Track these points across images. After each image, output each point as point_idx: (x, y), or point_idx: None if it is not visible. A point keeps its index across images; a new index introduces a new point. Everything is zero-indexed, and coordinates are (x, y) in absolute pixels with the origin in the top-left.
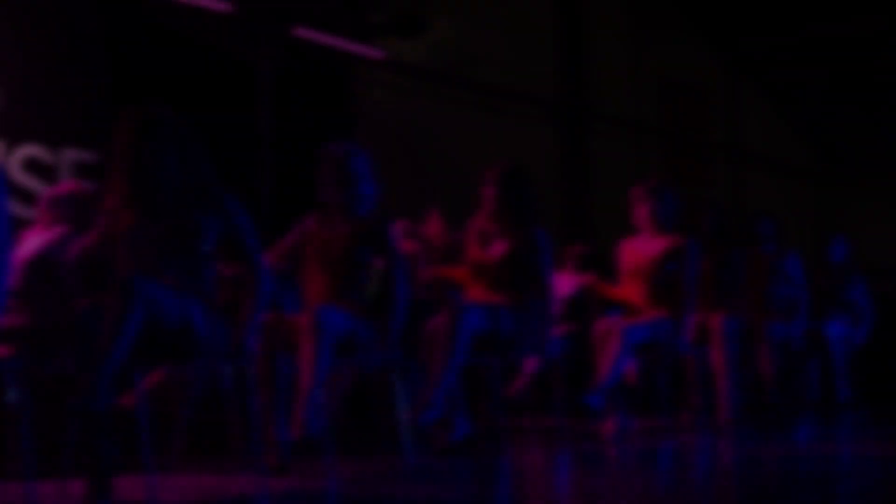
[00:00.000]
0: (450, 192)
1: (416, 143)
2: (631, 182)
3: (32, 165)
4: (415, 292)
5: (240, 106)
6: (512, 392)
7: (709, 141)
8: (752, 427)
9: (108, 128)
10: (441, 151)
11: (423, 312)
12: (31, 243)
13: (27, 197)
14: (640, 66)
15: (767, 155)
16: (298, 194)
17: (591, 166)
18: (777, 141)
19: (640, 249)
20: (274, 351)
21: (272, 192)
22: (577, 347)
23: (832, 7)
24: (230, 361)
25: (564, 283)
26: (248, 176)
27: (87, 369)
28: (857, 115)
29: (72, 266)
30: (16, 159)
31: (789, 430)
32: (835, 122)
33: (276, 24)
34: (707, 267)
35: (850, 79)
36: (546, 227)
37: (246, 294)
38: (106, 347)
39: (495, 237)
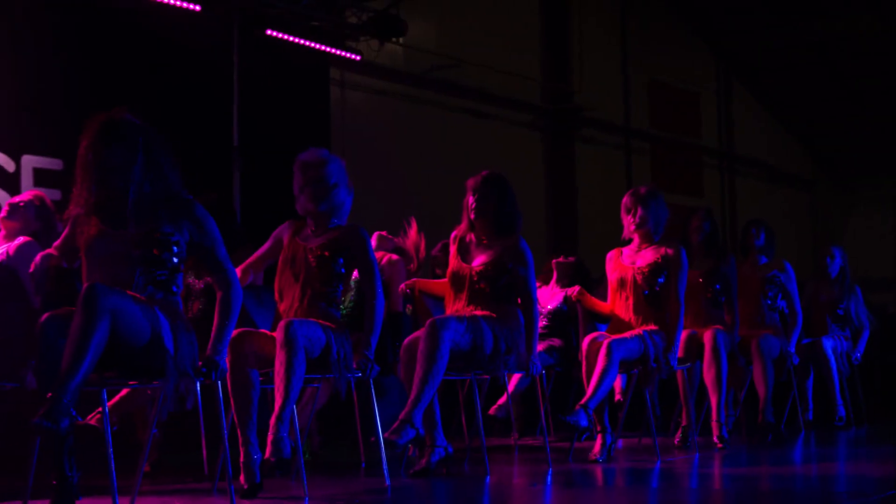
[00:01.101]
0: (429, 201)
1: (395, 150)
2: (619, 190)
3: None
4: (392, 306)
5: (211, 110)
6: (494, 410)
7: (700, 146)
8: (745, 446)
9: (73, 135)
10: (420, 158)
11: (401, 327)
12: None
13: None
14: (630, 68)
15: (761, 161)
16: (271, 203)
17: (578, 173)
18: (771, 146)
19: (629, 261)
20: (244, 367)
21: (244, 201)
22: (562, 363)
23: (826, 8)
24: (199, 378)
25: (549, 296)
26: (219, 183)
27: (50, 386)
28: (854, 118)
29: (33, 278)
30: None
31: (784, 449)
32: (831, 125)
33: (249, 25)
34: (698, 279)
35: (846, 80)
36: (530, 238)
37: (216, 308)
38: (69, 362)
39: (476, 248)
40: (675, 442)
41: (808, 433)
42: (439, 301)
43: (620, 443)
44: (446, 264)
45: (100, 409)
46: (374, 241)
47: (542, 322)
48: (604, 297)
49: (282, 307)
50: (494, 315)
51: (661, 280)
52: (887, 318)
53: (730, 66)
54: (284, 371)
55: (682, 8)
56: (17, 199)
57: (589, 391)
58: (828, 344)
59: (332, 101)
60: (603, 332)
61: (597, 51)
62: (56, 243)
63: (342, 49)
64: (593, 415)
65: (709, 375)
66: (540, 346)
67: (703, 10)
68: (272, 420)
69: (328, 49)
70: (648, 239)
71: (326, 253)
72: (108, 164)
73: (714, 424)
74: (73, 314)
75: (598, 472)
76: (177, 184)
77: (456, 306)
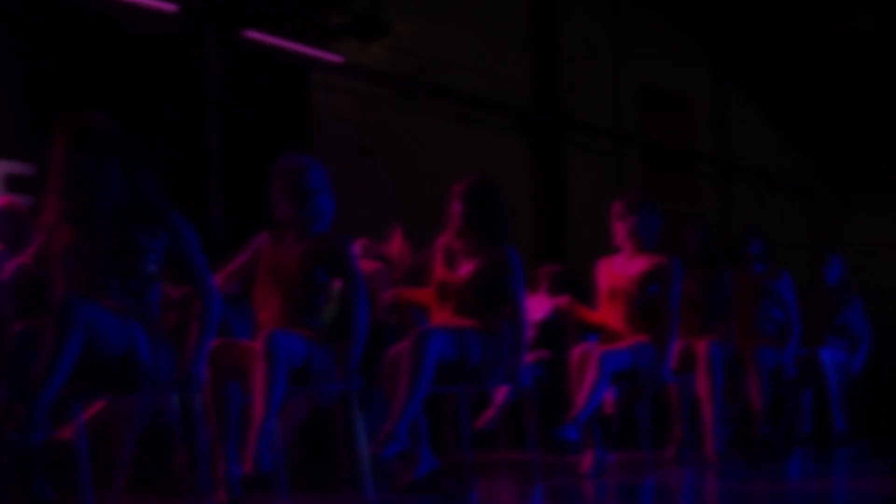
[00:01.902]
0: (414, 208)
1: (378, 155)
2: (610, 197)
3: None
4: (376, 316)
5: (186, 115)
6: (481, 423)
7: (694, 152)
8: (740, 461)
9: (45, 139)
10: (405, 164)
11: (385, 337)
12: None
13: None
14: (620, 71)
15: (757, 167)
16: (250, 210)
17: (567, 180)
18: (767, 152)
19: (620, 270)
20: (224, 379)
21: (222, 208)
22: (552, 375)
23: (824, 9)
24: (176, 391)
25: (538, 306)
26: (196, 190)
27: (22, 399)
28: (852, 123)
29: (5, 287)
30: None
31: (780, 465)
32: (829, 130)
33: (226, 25)
34: (692, 288)
35: (844, 84)
36: (518, 246)
37: (193, 318)
38: (42, 375)
39: (463, 256)
40: (668, 456)
41: (805, 447)
42: (425, 311)
43: (611, 457)
44: (432, 273)
45: (73, 422)
46: (357, 249)
47: (531, 333)
48: (594, 307)
49: (262, 317)
50: (481, 325)
51: (653, 290)
52: (889, 329)
53: (724, 69)
54: (265, 384)
55: (675, 9)
56: None
57: (579, 404)
58: (826, 356)
59: (313, 104)
60: (593, 343)
61: (587, 53)
62: (29, 251)
63: (324, 51)
64: (583, 429)
65: (703, 388)
66: (528, 358)
67: (696, 11)
68: (252, 434)
69: (309, 51)
70: (640, 247)
71: (308, 262)
72: (82, 170)
73: (708, 438)
74: (47, 325)
75: (589, 487)
76: (153, 190)
77: (442, 316)
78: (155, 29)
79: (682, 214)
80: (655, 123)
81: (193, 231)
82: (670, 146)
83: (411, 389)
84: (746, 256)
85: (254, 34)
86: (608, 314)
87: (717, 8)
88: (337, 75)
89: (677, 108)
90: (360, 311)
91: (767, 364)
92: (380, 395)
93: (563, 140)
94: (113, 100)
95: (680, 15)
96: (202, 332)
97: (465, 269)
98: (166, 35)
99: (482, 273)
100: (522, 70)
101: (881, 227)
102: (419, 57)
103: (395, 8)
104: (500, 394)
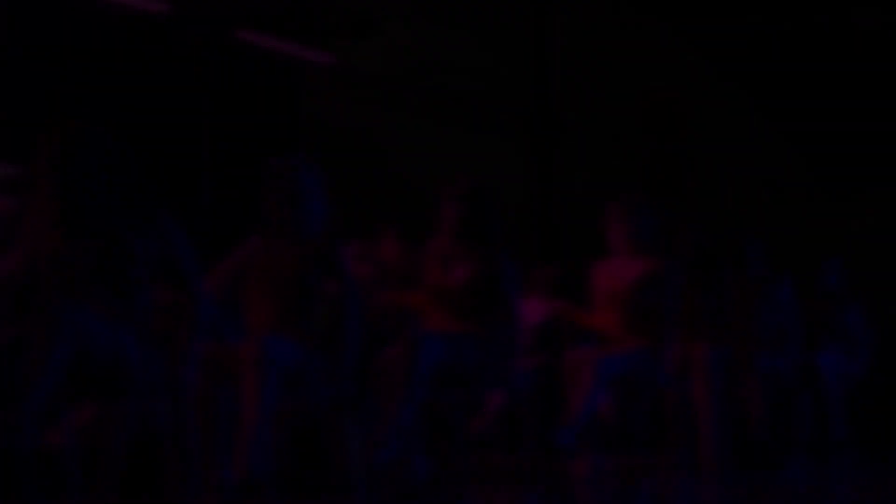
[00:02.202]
0: (407, 211)
1: (370, 157)
2: (605, 199)
3: None
4: (369, 320)
5: (177, 116)
6: (475, 429)
7: (691, 153)
8: (737, 467)
9: (33, 140)
10: (397, 166)
11: (378, 342)
12: None
13: None
14: (616, 71)
15: (755, 168)
16: (241, 213)
17: (562, 181)
18: (766, 152)
19: (616, 273)
20: (214, 385)
21: (212, 211)
22: (547, 380)
23: (822, 8)
24: (166, 396)
25: (533, 310)
26: (187, 192)
27: (10, 404)
28: (853, 122)
29: None
30: None
31: (779, 471)
32: (830, 131)
33: (218, 26)
34: (689, 293)
35: (846, 83)
36: (513, 249)
37: (183, 322)
38: (30, 380)
39: (457, 260)
40: (665, 462)
41: (803, 453)
42: (417, 315)
43: (608, 463)
44: (425, 277)
45: (62, 427)
46: (350, 253)
47: (525, 337)
48: (590, 311)
49: (252, 321)
50: (475, 330)
51: (650, 294)
52: (890, 334)
53: (722, 69)
54: (256, 390)
55: (672, 9)
56: None
57: (575, 410)
58: (825, 361)
59: (305, 106)
60: (589, 348)
61: (582, 54)
62: (15, 255)
63: (316, 52)
64: (579, 434)
65: (700, 393)
66: (523, 363)
67: (693, 11)
68: (243, 440)
69: (301, 52)
70: (638, 251)
71: (300, 265)
72: (71, 173)
73: (705, 444)
74: (35, 329)
75: (585, 493)
76: (144, 194)
77: (436, 321)
78: (146, 31)
79: (678, 217)
80: (652, 125)
81: (184, 235)
82: (667, 148)
83: (405, 395)
84: (744, 259)
85: (245, 35)
86: (604, 318)
87: (715, 7)
88: (328, 76)
89: (674, 109)
90: (354, 315)
91: (765, 369)
92: (372, 400)
93: (556, 141)
94: (103, 101)
95: (676, 14)
96: (191, 337)
97: (459, 272)
98: (158, 36)
99: (477, 277)
100: (514, 71)
101: (881, 229)
102: (410, 58)
103: (386, 8)
104: (495, 399)
